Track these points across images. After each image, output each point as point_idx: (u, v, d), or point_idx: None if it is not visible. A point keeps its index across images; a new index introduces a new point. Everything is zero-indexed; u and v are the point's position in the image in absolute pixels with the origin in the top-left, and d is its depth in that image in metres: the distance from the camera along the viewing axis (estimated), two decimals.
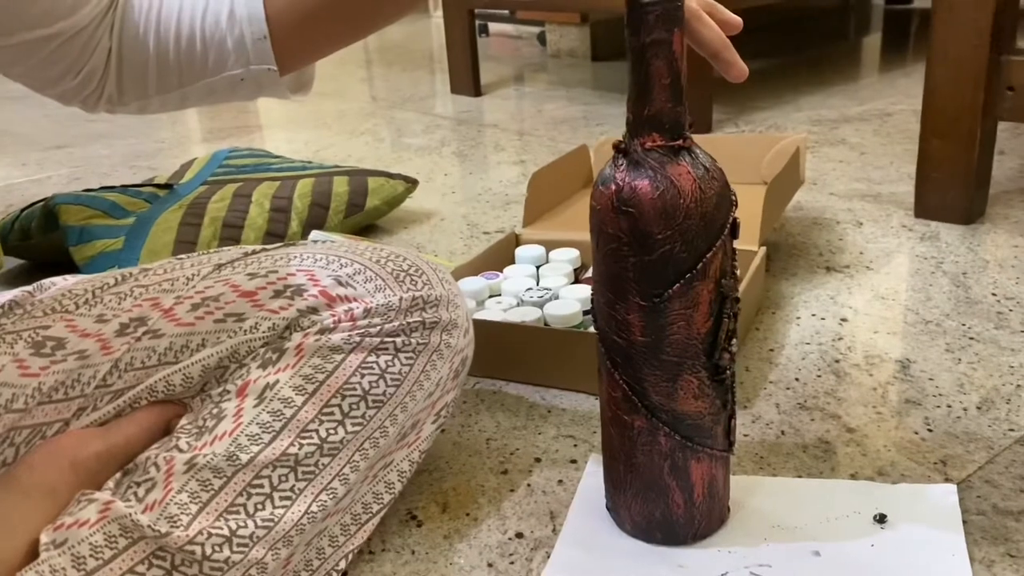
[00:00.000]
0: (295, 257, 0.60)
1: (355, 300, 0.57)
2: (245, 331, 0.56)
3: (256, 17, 0.62)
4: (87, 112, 0.68)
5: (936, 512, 0.59)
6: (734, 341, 0.54)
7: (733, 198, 0.52)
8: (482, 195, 1.35)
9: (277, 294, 0.57)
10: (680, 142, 0.50)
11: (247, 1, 0.62)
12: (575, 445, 0.70)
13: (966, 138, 1.05)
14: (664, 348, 0.52)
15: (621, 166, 0.50)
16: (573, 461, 0.68)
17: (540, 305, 0.85)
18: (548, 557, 0.58)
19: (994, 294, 0.91)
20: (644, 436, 0.54)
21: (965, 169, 1.07)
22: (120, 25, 0.64)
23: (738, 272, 0.53)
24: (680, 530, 0.57)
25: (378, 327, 0.56)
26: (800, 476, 0.64)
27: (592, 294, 0.55)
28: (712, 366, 0.53)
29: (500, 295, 0.89)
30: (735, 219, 0.52)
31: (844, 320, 0.88)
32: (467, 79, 2.09)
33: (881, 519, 0.58)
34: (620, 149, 0.50)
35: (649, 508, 0.56)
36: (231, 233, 1.07)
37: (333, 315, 0.56)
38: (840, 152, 1.45)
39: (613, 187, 0.50)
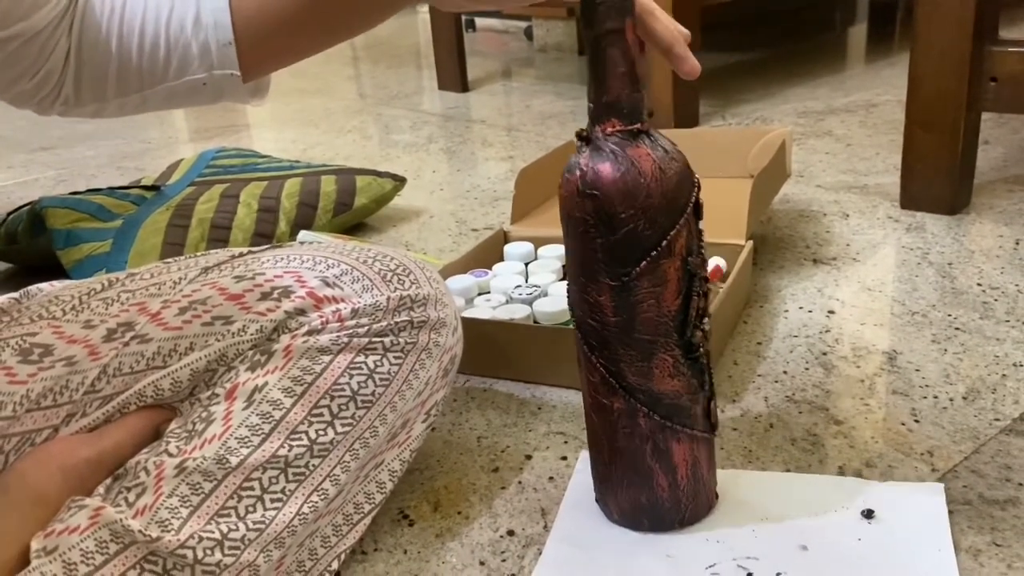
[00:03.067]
0: (282, 259, 0.60)
1: (342, 301, 0.57)
2: (233, 334, 0.56)
3: (222, 24, 0.61)
4: (40, 115, 0.67)
5: (923, 509, 0.59)
6: (706, 320, 0.55)
7: (695, 180, 0.53)
8: (470, 192, 1.35)
9: (264, 296, 0.57)
10: (639, 126, 0.51)
11: (213, 8, 0.61)
12: (566, 442, 0.70)
13: (950, 129, 1.06)
14: (636, 327, 0.53)
15: (584, 153, 0.52)
16: (564, 458, 0.68)
17: (529, 302, 0.85)
18: (540, 554, 0.58)
19: (979, 284, 0.92)
20: (624, 419, 0.55)
21: (949, 160, 1.08)
22: (80, 26, 0.63)
23: (705, 252, 0.54)
24: (666, 515, 0.57)
25: (366, 327, 0.56)
26: (789, 469, 0.65)
27: (567, 283, 0.56)
28: (685, 344, 0.54)
29: (489, 293, 0.90)
30: (698, 200, 0.53)
31: (831, 312, 0.88)
32: (454, 75, 2.09)
33: (868, 515, 0.58)
34: (582, 137, 0.53)
35: (634, 493, 0.57)
36: (219, 234, 1.07)
37: (321, 316, 0.56)
38: (826, 144, 1.46)
39: (578, 173, 0.52)
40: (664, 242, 0.51)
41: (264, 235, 1.09)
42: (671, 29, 0.56)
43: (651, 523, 0.58)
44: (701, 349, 0.54)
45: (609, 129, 0.51)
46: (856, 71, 2.05)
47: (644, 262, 0.51)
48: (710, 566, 0.55)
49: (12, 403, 0.51)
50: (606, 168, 0.51)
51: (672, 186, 0.51)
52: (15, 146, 1.88)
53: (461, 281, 0.89)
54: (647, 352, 0.53)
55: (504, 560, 0.58)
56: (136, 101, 0.65)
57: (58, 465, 0.51)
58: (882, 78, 1.92)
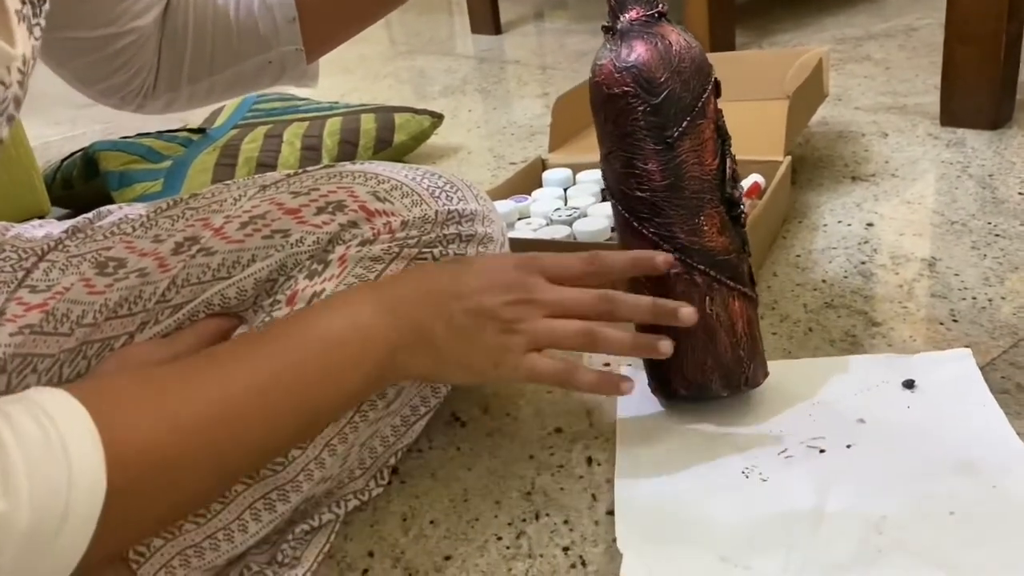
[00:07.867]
0: (335, 176, 0.62)
1: (393, 214, 0.59)
2: (291, 245, 0.59)
3: (286, 1, 0.64)
4: (116, 109, 0.67)
5: (958, 373, 0.62)
6: (738, 184, 0.60)
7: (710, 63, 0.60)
8: (507, 128, 1.37)
9: (320, 210, 0.60)
10: (658, 9, 0.58)
11: None
12: None
13: (991, 42, 1.05)
14: (684, 186, 0.58)
15: (612, 39, 0.58)
16: (607, 364, 0.71)
17: (569, 223, 0.87)
18: (586, 449, 0.61)
19: (1021, 193, 0.92)
20: (681, 281, 0.58)
21: (991, 73, 1.06)
22: (163, 17, 0.65)
23: (725, 124, 0.60)
24: (733, 375, 0.60)
25: (416, 238, 0.59)
26: None
27: (603, 172, 0.60)
28: (727, 200, 0.59)
29: (529, 217, 0.92)
30: (716, 78, 0.59)
31: (870, 225, 0.89)
32: (486, 18, 2.09)
33: (909, 385, 0.62)
34: (608, 28, 0.59)
35: (700, 358, 0.59)
36: (265, 172, 1.10)
37: (372, 228, 0.59)
38: (865, 68, 1.44)
39: (610, 55, 0.58)
40: (699, 104, 0.57)
41: None
42: None
43: (722, 383, 0.59)
44: (740, 207, 0.59)
45: (634, 15, 0.58)
46: None
47: (685, 122, 0.57)
48: (782, 451, 0.57)
49: (93, 311, 0.55)
50: (639, 43, 0.57)
51: (698, 53, 0.58)
52: (60, 102, 1.93)
53: (502, 206, 0.91)
54: (696, 209, 0.58)
55: (552, 454, 0.61)
56: (205, 88, 0.67)
57: (137, 366, 0.54)
58: (923, 2, 1.87)
